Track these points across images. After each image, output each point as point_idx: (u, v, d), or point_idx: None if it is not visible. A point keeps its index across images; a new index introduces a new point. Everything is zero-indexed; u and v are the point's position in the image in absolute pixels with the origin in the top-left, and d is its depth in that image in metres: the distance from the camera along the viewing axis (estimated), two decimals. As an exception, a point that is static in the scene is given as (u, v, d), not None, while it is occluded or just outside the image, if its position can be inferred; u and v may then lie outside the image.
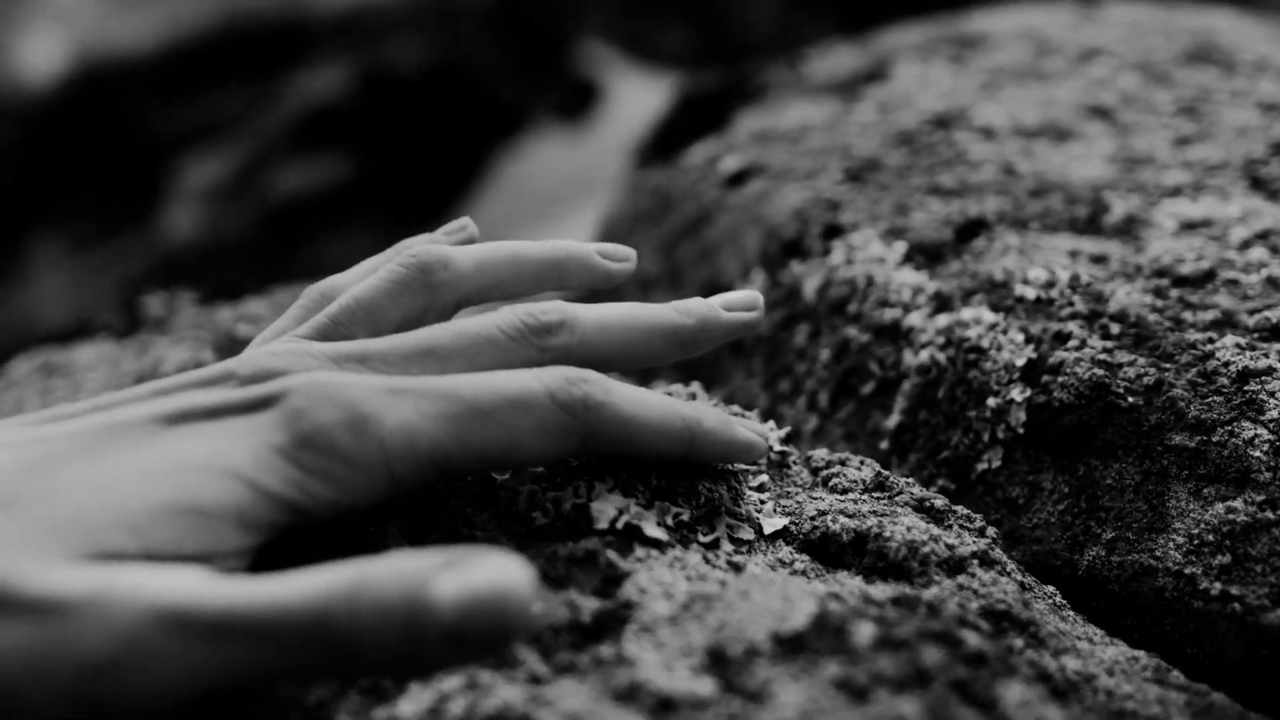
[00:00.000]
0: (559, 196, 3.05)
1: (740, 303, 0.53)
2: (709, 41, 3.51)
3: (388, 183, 3.06)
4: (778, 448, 0.56)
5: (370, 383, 0.42)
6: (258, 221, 3.19)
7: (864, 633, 0.40)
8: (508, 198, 3.23)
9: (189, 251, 2.88)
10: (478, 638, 0.33)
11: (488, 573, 0.33)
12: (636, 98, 3.37)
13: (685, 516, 0.49)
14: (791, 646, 0.40)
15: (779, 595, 0.43)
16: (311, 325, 0.49)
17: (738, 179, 0.80)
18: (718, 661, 0.39)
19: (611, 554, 0.45)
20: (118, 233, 2.97)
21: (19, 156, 3.01)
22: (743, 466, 0.55)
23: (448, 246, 0.52)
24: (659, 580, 0.44)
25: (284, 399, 0.40)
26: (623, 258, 0.56)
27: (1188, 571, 0.50)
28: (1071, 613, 0.50)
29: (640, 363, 0.52)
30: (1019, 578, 0.50)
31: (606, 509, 0.48)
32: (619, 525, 0.47)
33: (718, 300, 0.53)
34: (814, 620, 0.41)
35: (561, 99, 3.54)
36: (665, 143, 1.13)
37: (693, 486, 0.50)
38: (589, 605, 0.42)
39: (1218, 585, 0.49)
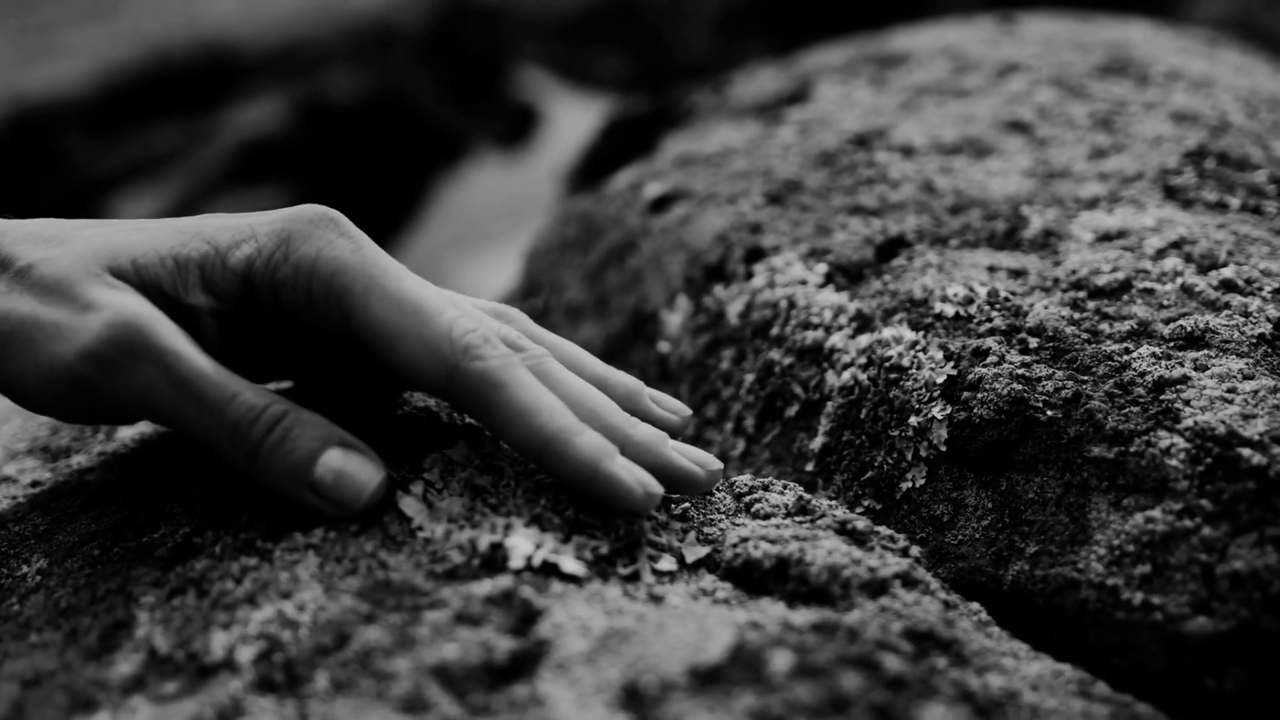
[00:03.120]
0: (498, 222, 3.04)
1: (695, 458, 0.53)
2: (644, 66, 3.52)
3: (327, 214, 3.04)
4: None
5: (353, 232, 0.52)
6: (197, 258, 3.14)
7: (780, 662, 0.40)
8: (448, 224, 3.22)
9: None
10: (328, 498, 0.48)
11: (354, 464, 0.48)
12: (574, 122, 3.37)
13: (604, 549, 0.48)
14: (707, 679, 0.39)
15: (696, 627, 0.42)
16: None
17: (661, 204, 0.80)
18: (633, 698, 0.39)
19: (528, 591, 0.44)
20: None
21: (-48, 196, 2.96)
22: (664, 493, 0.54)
23: (500, 368, 0.50)
24: (575, 616, 0.43)
25: (283, 210, 0.52)
26: (673, 410, 0.56)
27: (1110, 583, 0.50)
28: (996, 629, 0.50)
29: (504, 439, 0.50)
30: (943, 596, 0.50)
31: (522, 545, 0.47)
32: (535, 562, 0.46)
33: (671, 444, 0.52)
34: (730, 651, 0.40)
35: (499, 125, 3.54)
36: (594, 169, 1.13)
37: (611, 519, 0.49)
38: (504, 645, 0.42)
39: (1139, 595, 0.49)
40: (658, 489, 0.49)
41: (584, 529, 0.49)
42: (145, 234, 0.52)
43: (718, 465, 0.53)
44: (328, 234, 0.51)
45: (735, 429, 0.66)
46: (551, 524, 0.49)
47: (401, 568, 0.47)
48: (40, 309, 0.49)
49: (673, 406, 0.57)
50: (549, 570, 0.46)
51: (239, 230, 0.51)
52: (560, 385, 0.52)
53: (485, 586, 0.45)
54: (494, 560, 0.47)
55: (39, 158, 3.04)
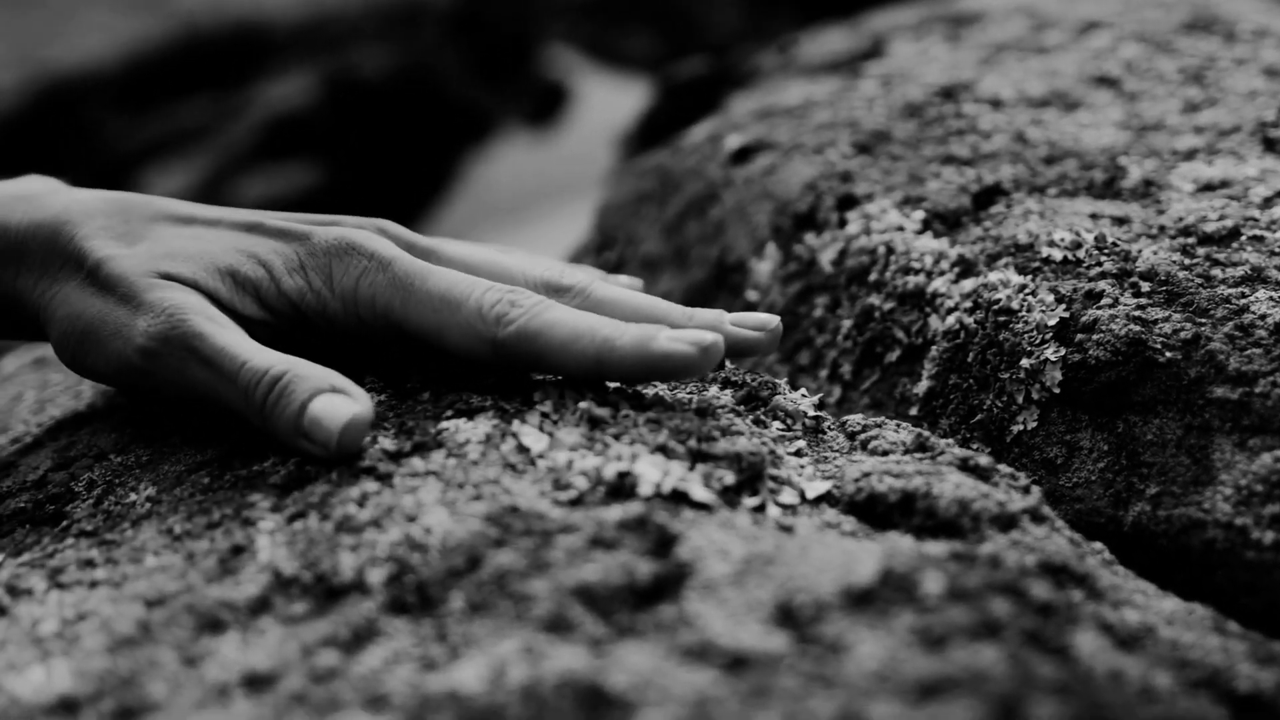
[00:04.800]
0: (527, 200, 3.04)
1: (691, 339, 0.51)
2: (673, 44, 3.50)
3: (355, 189, 3.03)
4: (811, 413, 0.55)
5: (377, 248, 0.55)
6: (224, 232, 3.13)
7: (933, 584, 0.39)
8: (476, 202, 3.21)
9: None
10: (314, 440, 0.49)
11: (335, 404, 0.49)
12: (603, 101, 3.36)
13: (729, 480, 0.47)
14: (861, 600, 0.39)
15: (840, 552, 0.42)
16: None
17: (743, 155, 0.79)
18: (788, 617, 0.38)
19: (662, 516, 0.44)
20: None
21: (-20, 173, 2.95)
22: (778, 433, 0.54)
23: (528, 317, 0.52)
24: (712, 541, 0.43)
25: (320, 236, 0.56)
26: (757, 325, 0.56)
27: (1238, 522, 0.49)
28: (1121, 568, 0.50)
29: (565, 371, 0.53)
30: (1068, 534, 0.49)
31: (651, 472, 0.46)
32: (664, 489, 0.46)
33: (729, 317, 0.55)
34: (880, 574, 0.40)
35: (527, 103, 3.53)
36: (652, 132, 1.12)
37: (732, 451, 0.49)
38: (645, 567, 0.41)
39: (1270, 534, 0.48)
40: (713, 338, 0.51)
41: (707, 459, 0.48)
42: (201, 244, 0.57)
43: (775, 321, 0.55)
44: (361, 261, 0.55)
45: (831, 376, 0.65)
46: (676, 454, 0.48)
47: (526, 494, 0.46)
48: (105, 309, 0.55)
49: (755, 322, 0.56)
50: (678, 498, 0.46)
51: (288, 258, 0.56)
52: (613, 307, 0.56)
53: (616, 512, 0.44)
54: (621, 488, 0.46)
55: (68, 131, 3.04)
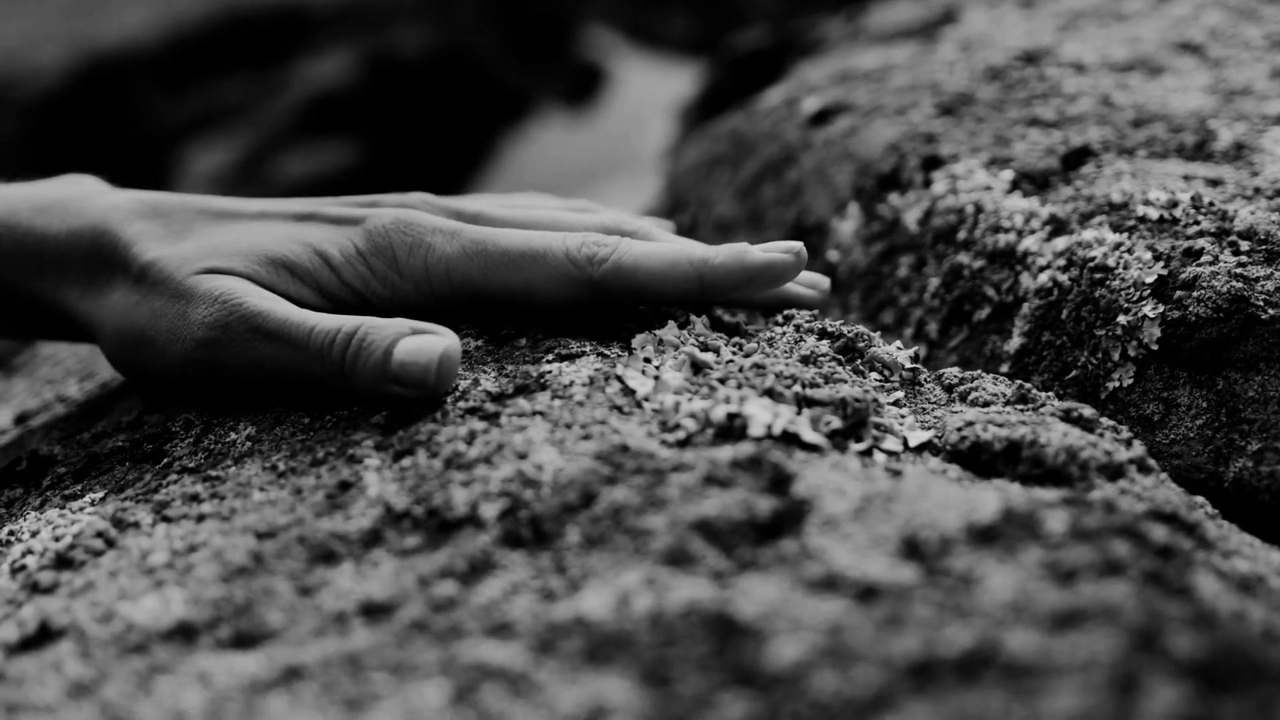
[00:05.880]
0: (564, 181, 3.03)
1: (778, 246, 0.55)
2: (712, 26, 3.49)
3: (393, 168, 3.04)
4: (908, 366, 0.55)
5: (437, 223, 0.55)
6: (264, 208, 3.14)
7: (1055, 523, 0.39)
8: (513, 182, 3.21)
9: (197, 238, 2.86)
10: (406, 382, 0.49)
11: (424, 339, 0.49)
12: (641, 82, 3.36)
13: (836, 425, 0.47)
14: (985, 536, 0.39)
15: (959, 491, 0.42)
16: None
17: (822, 117, 0.79)
18: (913, 550, 0.38)
19: (776, 455, 0.44)
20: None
21: (26, 147, 2.97)
22: (876, 383, 0.53)
23: (619, 252, 0.54)
24: (828, 480, 0.43)
25: (374, 221, 0.55)
26: (785, 250, 0.56)
27: (1346, 478, 0.49)
28: (1224, 522, 0.49)
29: (666, 295, 0.55)
30: (1174, 486, 0.49)
31: (761, 414, 0.46)
32: (775, 431, 0.46)
33: (757, 246, 0.56)
34: (1002, 513, 0.40)
35: (565, 85, 3.52)
36: (715, 102, 1.12)
37: (838, 397, 0.49)
38: (764, 503, 0.41)
39: (1379, 490, 0.48)
40: (799, 245, 0.55)
41: (813, 404, 0.48)
42: (251, 238, 0.56)
43: (799, 246, 0.56)
44: (424, 238, 0.55)
45: (916, 334, 0.65)
46: (782, 398, 0.48)
47: (635, 434, 0.46)
48: (157, 311, 0.54)
49: (783, 247, 0.56)
50: (789, 440, 0.46)
51: (344, 247, 0.55)
52: (674, 240, 0.58)
53: (727, 452, 0.44)
54: (730, 429, 0.46)
55: (111, 108, 3.05)
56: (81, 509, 0.52)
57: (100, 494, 0.52)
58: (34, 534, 0.50)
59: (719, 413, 0.47)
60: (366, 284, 0.55)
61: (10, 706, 0.39)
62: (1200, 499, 0.50)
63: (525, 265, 0.54)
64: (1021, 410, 0.51)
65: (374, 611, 0.40)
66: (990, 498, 0.41)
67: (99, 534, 0.48)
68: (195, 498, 0.49)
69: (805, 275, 0.60)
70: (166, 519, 0.49)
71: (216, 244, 0.56)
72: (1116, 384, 0.56)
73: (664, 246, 0.54)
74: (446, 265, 0.54)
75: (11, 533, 0.51)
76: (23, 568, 0.48)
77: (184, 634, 0.41)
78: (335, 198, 0.59)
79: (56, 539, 0.49)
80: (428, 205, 0.58)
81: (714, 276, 0.53)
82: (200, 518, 0.48)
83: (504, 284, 0.54)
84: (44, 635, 0.42)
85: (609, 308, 0.56)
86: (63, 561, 0.47)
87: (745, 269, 0.53)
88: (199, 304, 0.53)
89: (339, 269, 0.55)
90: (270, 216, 0.58)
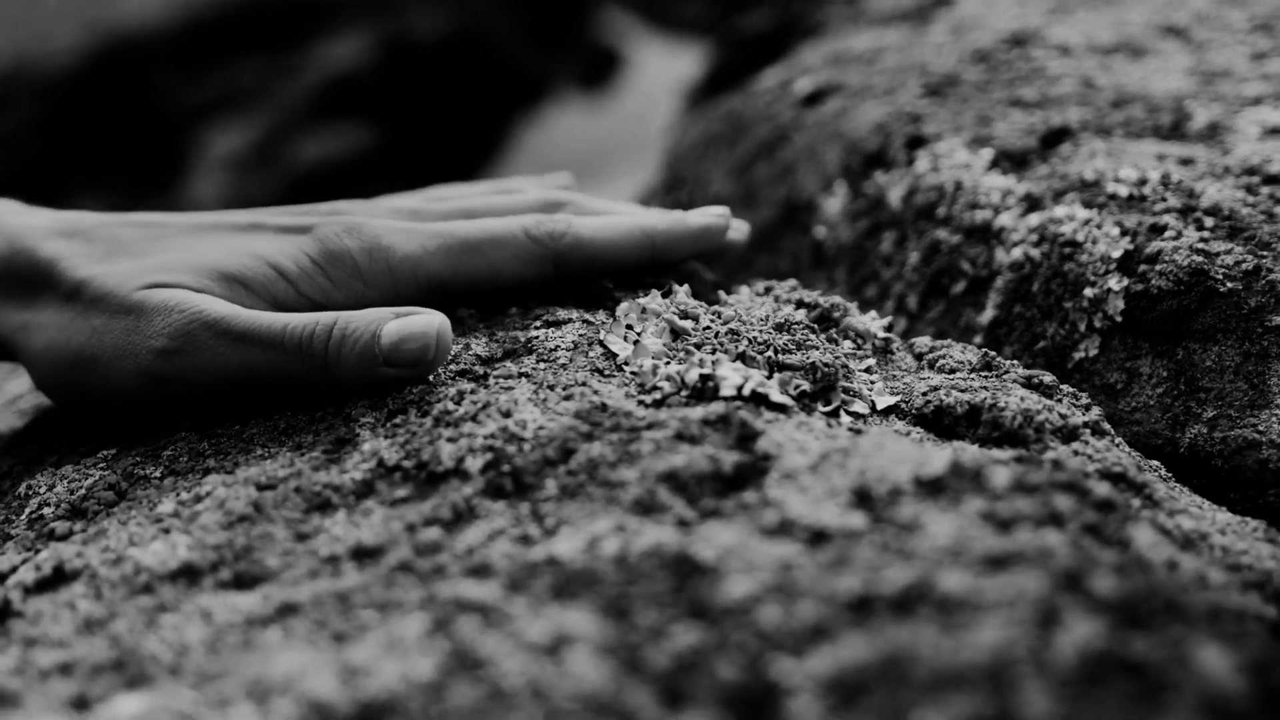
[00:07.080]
0: (579, 165, 3.04)
1: (711, 211, 0.61)
2: (727, 10, 3.50)
3: (409, 151, 3.06)
4: (881, 335, 0.58)
5: (388, 224, 0.55)
6: (280, 190, 3.18)
7: (1000, 477, 0.42)
8: (529, 166, 3.23)
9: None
10: (402, 362, 0.49)
11: (417, 319, 0.49)
12: (656, 66, 3.37)
13: (805, 387, 0.50)
14: (933, 487, 0.41)
15: (912, 447, 0.44)
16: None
17: (814, 98, 0.81)
18: (864, 500, 0.41)
19: (744, 414, 0.46)
20: (143, 202, 2.97)
21: (44, 131, 3.01)
22: (850, 350, 0.56)
23: (575, 226, 0.57)
24: (791, 438, 0.45)
25: (326, 229, 0.54)
26: (718, 214, 0.61)
27: (1293, 442, 0.51)
28: (1177, 484, 0.52)
29: (622, 262, 0.58)
30: (1127, 449, 0.51)
31: (732, 376, 0.49)
32: (745, 392, 0.48)
33: (694, 211, 0.61)
34: (951, 466, 0.42)
35: (580, 68, 3.54)
36: (719, 82, 1.14)
37: (808, 361, 0.51)
38: (729, 457, 0.44)
39: (1324, 454, 0.50)
40: (725, 209, 0.61)
41: (784, 369, 0.51)
42: (195, 253, 0.54)
43: (724, 210, 0.61)
44: (379, 239, 0.54)
45: (897, 308, 0.67)
46: (755, 362, 0.51)
47: (614, 395, 0.49)
48: (98, 329, 0.52)
49: (736, 224, 0.62)
50: (758, 400, 0.48)
51: (299, 259, 0.54)
52: (605, 210, 0.61)
53: (699, 411, 0.47)
54: (704, 391, 0.49)
55: (128, 90, 3.08)
56: (95, 465, 0.55)
57: (113, 450, 0.55)
58: (50, 488, 0.53)
59: (693, 375, 0.49)
60: (328, 295, 0.54)
61: (29, 640, 0.42)
62: (1155, 463, 0.53)
63: (489, 250, 0.55)
64: (985, 377, 0.54)
65: (364, 555, 0.43)
66: (941, 454, 0.43)
67: (110, 486, 0.51)
68: (201, 453, 0.52)
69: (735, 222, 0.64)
70: (174, 472, 0.52)
71: (161, 260, 0.53)
72: (1083, 354, 0.59)
73: (615, 219, 0.58)
74: (411, 264, 0.54)
75: (29, 486, 0.54)
76: (40, 517, 0.51)
77: (188, 575, 0.44)
78: (271, 208, 0.59)
79: (71, 491, 0.52)
80: (366, 209, 0.58)
81: (663, 241, 0.57)
82: (206, 471, 0.51)
83: (470, 272, 0.55)
84: (59, 577, 0.45)
85: (572, 280, 0.58)
86: (77, 511, 0.50)
87: (689, 233, 0.58)
88: (153, 315, 0.51)
89: (296, 281, 0.54)
90: (209, 229, 0.56)
